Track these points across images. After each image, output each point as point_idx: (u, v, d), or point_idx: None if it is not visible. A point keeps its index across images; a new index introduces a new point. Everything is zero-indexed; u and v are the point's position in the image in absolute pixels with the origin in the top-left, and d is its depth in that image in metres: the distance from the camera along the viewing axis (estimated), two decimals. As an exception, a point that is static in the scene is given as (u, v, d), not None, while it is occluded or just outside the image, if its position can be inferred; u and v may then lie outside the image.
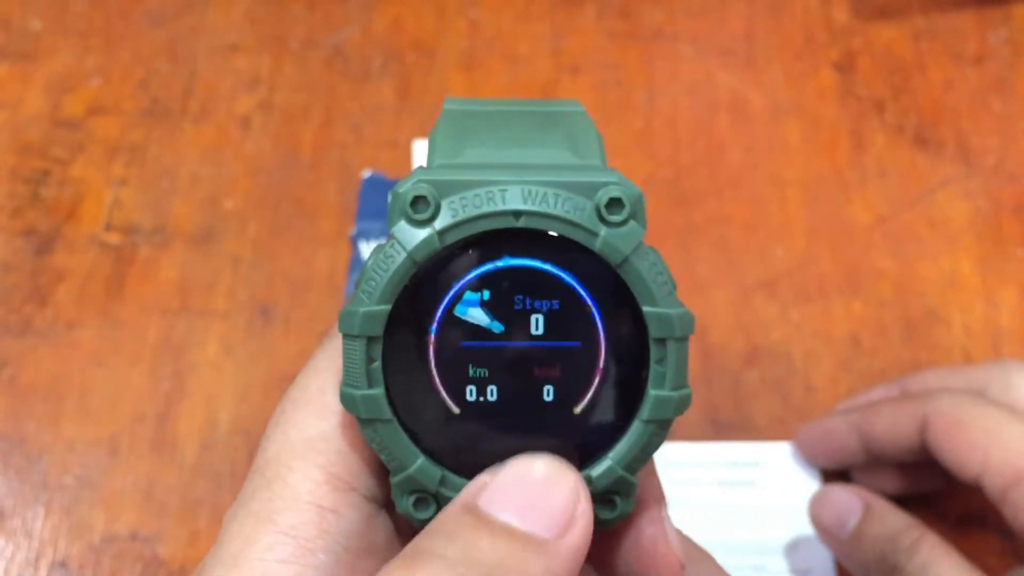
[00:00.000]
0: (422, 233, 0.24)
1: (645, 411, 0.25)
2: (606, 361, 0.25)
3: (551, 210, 0.24)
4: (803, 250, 0.50)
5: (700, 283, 0.49)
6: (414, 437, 0.25)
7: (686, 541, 0.28)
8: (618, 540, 0.26)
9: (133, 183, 0.52)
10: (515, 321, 0.24)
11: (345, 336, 0.24)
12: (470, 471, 0.25)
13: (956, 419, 0.38)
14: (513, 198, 0.24)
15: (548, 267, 0.24)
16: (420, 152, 0.53)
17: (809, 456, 0.44)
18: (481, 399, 0.25)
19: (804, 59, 0.56)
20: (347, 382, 0.24)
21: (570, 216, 0.24)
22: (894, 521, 0.39)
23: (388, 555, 0.25)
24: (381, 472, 0.25)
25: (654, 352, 0.24)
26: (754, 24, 0.58)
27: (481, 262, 0.24)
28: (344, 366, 0.24)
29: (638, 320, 0.24)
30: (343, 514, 0.25)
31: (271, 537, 0.24)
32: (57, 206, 0.51)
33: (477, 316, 0.24)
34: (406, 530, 0.26)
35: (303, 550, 0.24)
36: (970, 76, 0.55)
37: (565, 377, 0.25)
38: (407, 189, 0.24)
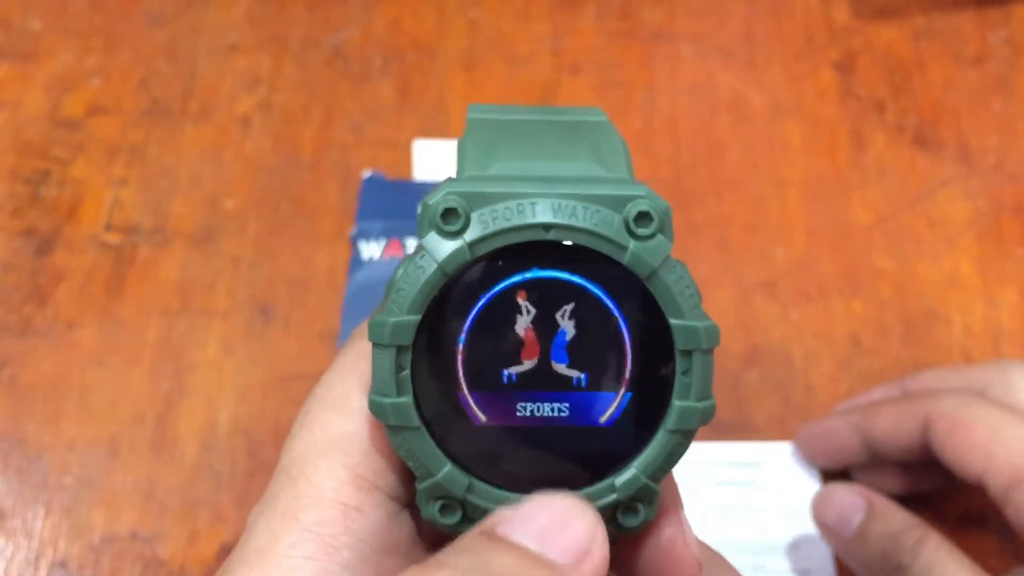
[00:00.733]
0: (453, 245, 0.24)
1: (670, 421, 0.25)
2: (632, 372, 0.25)
3: (580, 223, 0.24)
4: (803, 250, 0.50)
5: (700, 283, 0.49)
6: (441, 445, 0.25)
7: (700, 543, 0.28)
8: (638, 542, 0.27)
9: (133, 183, 0.52)
10: (542, 332, 0.25)
11: (375, 345, 0.24)
12: (496, 478, 0.25)
13: (958, 419, 0.38)
14: (543, 211, 0.24)
15: (576, 279, 0.25)
16: (420, 152, 0.53)
17: (810, 456, 0.44)
18: (507, 408, 0.25)
19: (804, 59, 0.56)
20: (376, 390, 0.25)
21: (599, 229, 0.24)
22: (897, 520, 0.39)
23: (410, 553, 0.25)
24: (404, 472, 0.26)
25: (680, 363, 0.25)
26: (754, 24, 0.58)
27: (510, 274, 0.25)
28: (373, 374, 0.25)
29: (665, 332, 0.25)
30: (367, 512, 0.25)
31: (296, 534, 0.24)
32: (57, 206, 0.51)
33: (505, 327, 0.25)
34: (427, 530, 0.26)
35: (328, 547, 0.24)
36: (970, 76, 0.55)
37: (591, 387, 0.25)
38: (437, 201, 0.24)
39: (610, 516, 0.25)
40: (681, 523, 0.27)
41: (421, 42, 0.57)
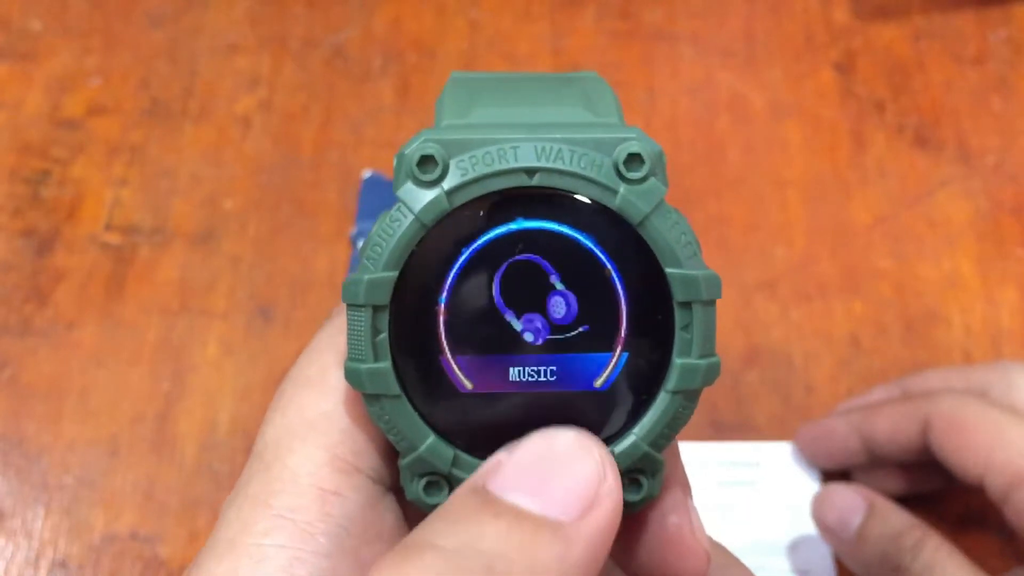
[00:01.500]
0: (430, 194, 0.23)
1: (671, 381, 0.23)
2: (628, 329, 0.23)
3: (567, 166, 0.23)
4: (803, 250, 0.50)
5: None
6: (424, 414, 0.23)
7: (714, 544, 0.27)
8: (640, 528, 0.25)
9: (133, 183, 0.52)
10: (530, 288, 0.23)
11: (349, 307, 0.23)
12: (484, 451, 0.23)
13: (959, 420, 0.38)
14: (526, 155, 0.23)
15: (565, 229, 0.23)
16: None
17: (810, 457, 0.44)
18: (495, 373, 0.23)
19: (804, 59, 0.56)
20: (352, 356, 0.23)
21: (587, 172, 0.23)
22: (898, 521, 0.39)
23: (394, 541, 0.23)
24: (388, 452, 0.24)
25: (679, 317, 0.23)
26: (754, 24, 0.58)
27: (493, 225, 0.23)
28: (348, 339, 0.23)
29: (661, 283, 0.23)
30: (346, 496, 0.23)
31: (268, 521, 0.23)
32: (57, 206, 0.51)
33: (488, 284, 0.23)
34: (416, 515, 0.24)
35: (302, 534, 0.23)
36: (970, 76, 0.55)
37: (584, 348, 0.23)
38: (413, 149, 0.23)
39: None
40: (688, 510, 0.25)
41: (421, 42, 0.57)
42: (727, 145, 0.53)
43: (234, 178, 0.52)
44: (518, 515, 0.20)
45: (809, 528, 0.42)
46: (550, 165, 0.23)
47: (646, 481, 0.24)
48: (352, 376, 0.23)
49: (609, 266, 0.23)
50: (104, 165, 0.53)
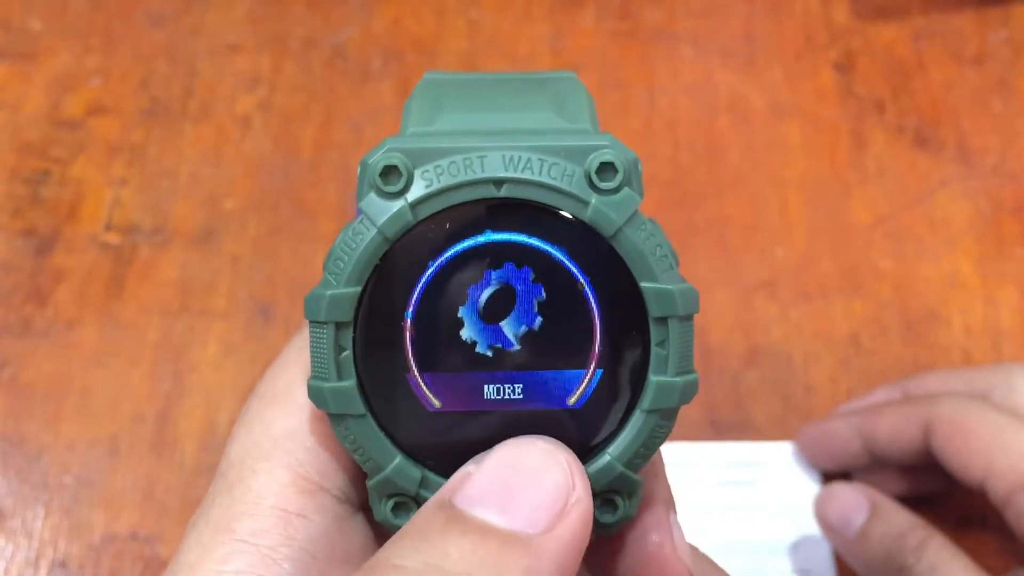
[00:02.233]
0: (394, 206, 0.22)
1: (646, 400, 0.22)
2: (602, 345, 0.22)
3: (535, 177, 0.22)
4: (803, 250, 0.50)
5: (700, 283, 0.49)
6: (390, 434, 0.22)
7: (699, 556, 0.26)
8: (620, 546, 0.24)
9: (133, 183, 0.52)
10: (499, 303, 0.22)
11: (312, 323, 0.22)
12: (454, 471, 0.22)
13: (960, 424, 0.38)
14: (493, 164, 0.22)
15: (535, 242, 0.22)
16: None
17: (811, 458, 0.44)
18: (465, 391, 0.22)
19: (804, 59, 0.56)
20: (315, 374, 0.22)
21: (557, 183, 0.22)
22: (901, 521, 0.39)
23: (363, 562, 0.22)
24: (355, 471, 0.23)
25: (655, 333, 0.22)
26: (754, 24, 0.58)
27: (460, 238, 0.22)
28: (312, 357, 0.22)
29: (636, 298, 0.22)
30: (311, 519, 0.23)
31: (229, 546, 0.22)
32: (57, 206, 0.51)
33: (457, 299, 0.22)
34: (385, 534, 0.23)
35: (265, 559, 0.22)
36: (970, 76, 0.55)
37: (557, 365, 0.22)
38: (377, 159, 0.22)
39: None
40: (670, 528, 0.24)
41: (421, 42, 0.57)
42: (727, 145, 0.53)
43: (234, 178, 0.52)
44: (484, 531, 0.20)
45: (809, 528, 0.42)
46: (518, 175, 0.22)
47: (622, 502, 0.23)
48: (316, 395, 0.22)
49: (582, 280, 0.22)
50: (104, 165, 0.53)
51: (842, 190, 0.52)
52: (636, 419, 0.23)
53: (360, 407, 0.22)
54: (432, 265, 0.22)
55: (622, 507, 0.23)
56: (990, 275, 0.50)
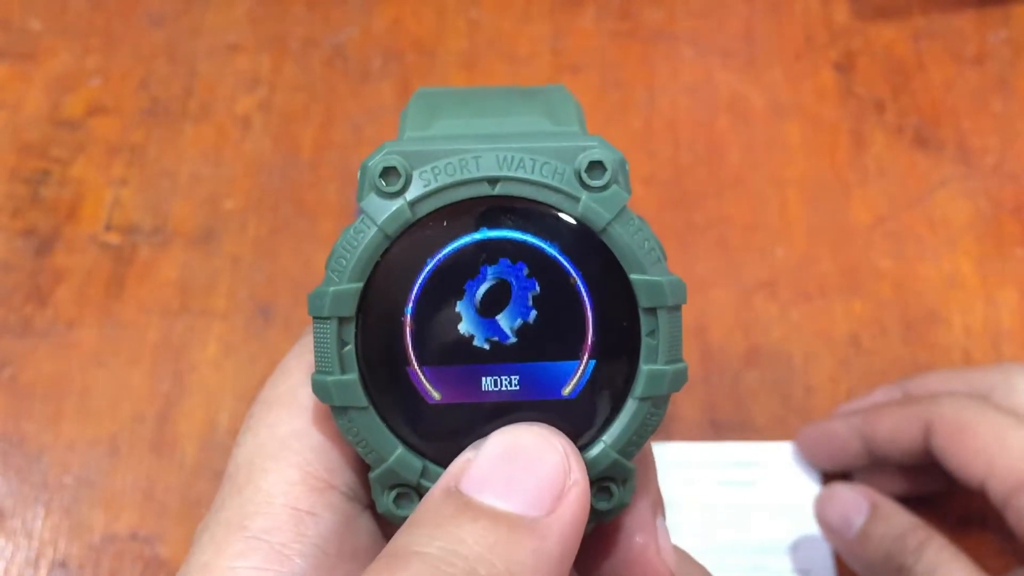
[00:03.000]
0: (393, 205, 0.23)
1: (638, 388, 0.23)
2: (594, 337, 0.23)
3: (528, 175, 0.23)
4: (803, 250, 0.50)
5: (700, 283, 0.49)
6: (392, 426, 0.23)
7: (684, 558, 0.26)
8: (606, 546, 0.25)
9: (133, 183, 0.52)
10: (495, 297, 0.23)
11: (315, 319, 0.23)
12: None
13: (961, 424, 0.38)
14: (488, 164, 0.23)
15: (529, 238, 0.23)
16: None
17: (811, 458, 0.44)
18: (463, 383, 0.23)
19: (804, 59, 0.56)
20: (319, 368, 0.23)
21: (548, 180, 0.23)
22: (901, 521, 0.39)
23: (371, 559, 0.22)
24: (362, 469, 0.24)
25: (645, 324, 0.23)
26: (754, 24, 0.58)
27: (457, 235, 0.23)
28: (315, 351, 0.23)
29: (626, 290, 0.23)
30: (321, 516, 0.23)
31: (243, 543, 0.23)
32: (57, 206, 0.51)
33: (455, 294, 0.23)
34: (391, 531, 0.23)
35: (278, 555, 0.22)
36: (970, 76, 0.55)
37: (551, 356, 0.23)
38: (376, 161, 0.23)
39: None
40: (655, 530, 0.25)
41: (421, 42, 0.57)
42: (727, 145, 0.53)
43: (234, 178, 0.52)
44: (494, 516, 0.21)
45: (809, 528, 0.42)
46: (512, 174, 0.23)
47: (616, 489, 0.24)
48: (319, 389, 0.23)
49: (574, 274, 0.23)
50: (104, 165, 0.53)
51: (842, 190, 0.52)
52: (629, 407, 0.24)
53: (362, 400, 0.23)
54: (430, 261, 0.23)
55: (617, 494, 0.24)
56: (990, 275, 0.50)
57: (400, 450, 0.23)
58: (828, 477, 0.44)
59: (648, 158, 0.53)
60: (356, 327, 0.23)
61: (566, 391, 0.23)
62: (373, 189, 0.23)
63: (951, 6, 0.57)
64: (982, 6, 0.57)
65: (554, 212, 0.23)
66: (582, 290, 0.23)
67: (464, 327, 0.23)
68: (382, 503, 0.24)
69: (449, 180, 0.23)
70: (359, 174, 0.23)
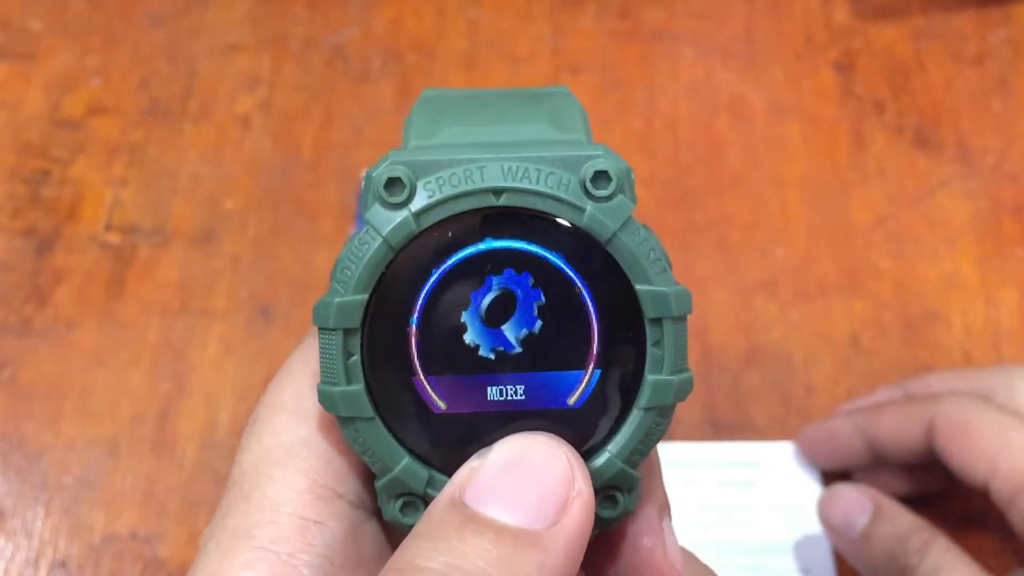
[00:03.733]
0: (397, 216, 0.23)
1: (643, 398, 0.23)
2: (600, 346, 0.23)
3: (533, 186, 0.23)
4: (803, 250, 0.50)
5: (700, 283, 0.49)
6: (398, 436, 0.23)
7: (691, 559, 0.26)
8: (613, 549, 0.25)
9: (133, 183, 0.52)
10: (500, 308, 0.23)
11: (321, 330, 0.23)
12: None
13: (964, 424, 0.38)
14: (492, 175, 0.23)
15: (534, 248, 0.23)
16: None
17: (812, 457, 0.44)
18: (468, 393, 0.23)
19: (804, 59, 0.56)
20: (325, 379, 0.23)
21: (553, 191, 0.23)
22: (904, 522, 0.39)
23: (377, 567, 0.23)
24: (368, 477, 0.24)
25: (650, 334, 0.23)
26: (754, 24, 0.58)
27: (462, 246, 0.23)
28: (321, 362, 0.23)
29: (632, 301, 0.23)
30: (327, 525, 0.23)
31: (249, 553, 0.22)
32: (57, 206, 0.51)
33: (460, 304, 0.23)
34: (397, 539, 0.24)
35: (285, 565, 0.22)
36: (970, 76, 0.55)
37: (557, 366, 0.23)
38: (380, 172, 0.23)
39: None
40: (661, 532, 0.25)
41: (421, 42, 0.57)
42: (727, 145, 0.53)
43: (234, 178, 0.52)
44: (498, 530, 0.21)
45: (809, 528, 0.42)
46: (517, 184, 0.23)
47: (622, 497, 0.24)
48: (325, 399, 0.23)
49: (579, 284, 0.23)
50: (104, 165, 0.53)
51: (842, 190, 0.52)
52: (634, 417, 0.24)
53: (368, 410, 0.23)
54: (435, 272, 0.23)
55: (622, 502, 0.24)
56: (990, 275, 0.50)
57: (406, 460, 0.23)
58: (828, 477, 0.44)
59: (648, 158, 0.53)
60: (361, 338, 0.23)
61: (571, 401, 0.23)
62: (378, 200, 0.23)
63: (951, 6, 0.57)
64: (982, 6, 0.57)
65: (559, 222, 0.23)
66: (587, 300, 0.23)
67: (469, 337, 0.23)
68: (388, 511, 0.24)
69: (453, 191, 0.23)
70: (363, 184, 0.23)
